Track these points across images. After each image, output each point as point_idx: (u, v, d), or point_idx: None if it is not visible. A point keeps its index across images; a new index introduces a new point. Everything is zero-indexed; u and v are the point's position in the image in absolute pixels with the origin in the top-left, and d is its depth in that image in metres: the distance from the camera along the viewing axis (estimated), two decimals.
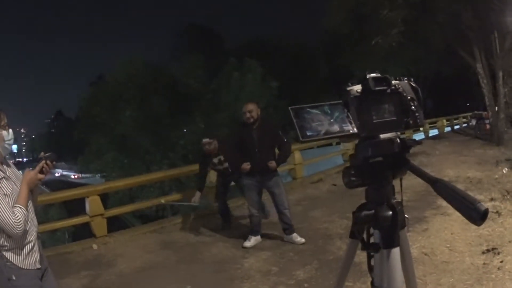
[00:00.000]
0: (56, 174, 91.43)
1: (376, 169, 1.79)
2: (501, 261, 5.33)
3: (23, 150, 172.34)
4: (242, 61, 31.82)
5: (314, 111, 1.67)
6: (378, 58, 23.87)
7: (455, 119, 30.62)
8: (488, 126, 20.24)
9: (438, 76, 32.00)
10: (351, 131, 1.68)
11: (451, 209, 7.04)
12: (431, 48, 23.51)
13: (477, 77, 18.69)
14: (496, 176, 9.86)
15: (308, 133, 1.62)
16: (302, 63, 39.72)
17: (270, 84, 31.30)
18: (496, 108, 18.53)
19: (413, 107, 1.78)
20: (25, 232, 3.07)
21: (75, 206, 11.91)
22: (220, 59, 35.22)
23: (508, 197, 8.04)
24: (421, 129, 25.15)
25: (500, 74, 18.13)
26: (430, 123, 26.25)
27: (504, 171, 10.26)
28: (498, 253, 5.58)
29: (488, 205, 6.81)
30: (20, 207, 2.99)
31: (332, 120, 1.67)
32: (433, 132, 26.37)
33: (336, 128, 1.66)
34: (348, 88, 1.73)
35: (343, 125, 1.68)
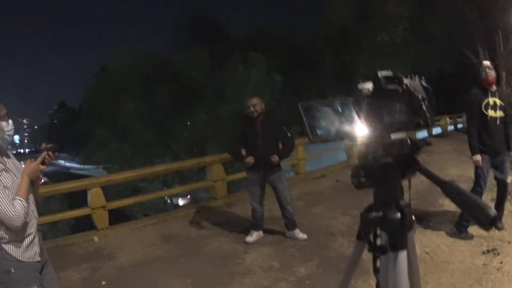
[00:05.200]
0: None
1: (386, 170, 1.76)
2: (501, 262, 5.35)
3: (25, 141, 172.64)
4: (246, 54, 31.69)
5: (325, 108, 1.63)
6: (383, 54, 23.82)
7: (458, 117, 30.50)
8: None
9: (442, 74, 31.87)
10: (362, 131, 1.64)
11: (452, 208, 7.01)
12: (435, 45, 23.47)
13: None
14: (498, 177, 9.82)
15: (319, 133, 1.58)
16: (307, 57, 39.62)
17: (274, 78, 31.19)
18: None
19: (424, 107, 1.75)
20: (25, 225, 3.06)
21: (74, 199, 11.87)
22: (224, 51, 35.09)
23: (509, 197, 7.99)
24: None
25: (504, 74, 18.11)
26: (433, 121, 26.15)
27: None
28: (498, 254, 5.60)
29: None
30: (20, 199, 2.98)
31: (343, 119, 1.63)
32: (437, 130, 26.27)
33: (347, 128, 1.63)
34: (360, 87, 1.69)
35: (354, 124, 1.64)
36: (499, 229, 6.33)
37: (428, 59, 28.31)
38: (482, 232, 6.34)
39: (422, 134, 23.60)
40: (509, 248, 5.74)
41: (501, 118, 6.19)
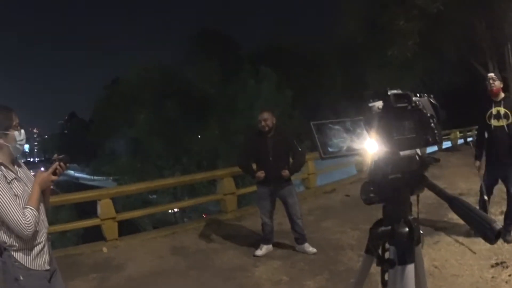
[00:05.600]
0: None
1: (395, 186, 1.78)
2: (509, 275, 5.32)
3: (35, 150, 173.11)
4: (257, 68, 31.71)
5: (336, 127, 1.66)
6: (393, 69, 23.79)
7: (468, 131, 30.29)
8: None
9: (452, 87, 31.78)
10: (371, 148, 1.67)
11: (461, 222, 7.08)
12: (445, 59, 23.42)
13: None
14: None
15: (330, 150, 1.61)
16: (317, 72, 39.67)
17: (285, 92, 31.18)
18: None
19: (432, 124, 1.77)
20: (35, 233, 3.08)
21: (85, 207, 11.92)
22: (235, 65, 35.08)
23: None
24: None
25: None
26: (443, 135, 26.02)
27: None
28: (507, 267, 5.56)
29: (498, 218, 6.77)
30: (31, 209, 3.01)
31: (353, 137, 1.66)
32: (446, 144, 26.12)
33: (357, 145, 1.66)
34: (370, 105, 1.72)
35: (364, 141, 1.67)
36: (508, 242, 6.33)
37: (438, 73, 28.26)
38: (491, 246, 6.33)
39: (432, 148, 23.51)
40: None
41: (508, 126, 6.26)
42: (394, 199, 1.82)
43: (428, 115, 1.78)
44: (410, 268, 1.85)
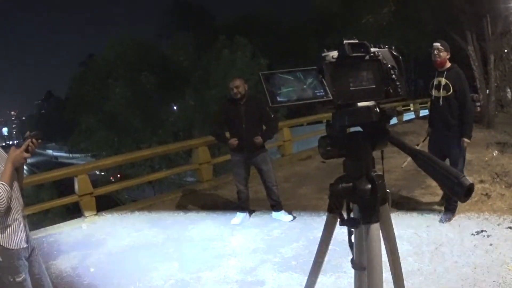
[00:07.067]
0: None
1: (354, 139, 1.74)
2: (490, 244, 5.31)
3: (14, 133, 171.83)
4: (232, 38, 31.61)
5: (286, 76, 1.60)
6: (368, 38, 23.78)
7: None
8: (478, 109, 20.12)
9: (429, 57, 31.86)
10: (325, 98, 1.60)
11: (440, 189, 7.05)
12: (422, 29, 23.40)
13: (468, 59, 18.51)
14: (486, 158, 9.82)
15: (279, 99, 1.55)
16: (292, 42, 39.61)
17: (260, 61, 31.06)
18: (487, 91, 18.50)
19: (393, 75, 1.71)
20: (10, 211, 3.05)
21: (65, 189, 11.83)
22: (210, 36, 34.89)
23: (498, 179, 8.02)
24: (412, 108, 25.07)
25: (492, 57, 18.07)
26: (420, 103, 26.16)
27: (494, 154, 10.23)
28: (488, 236, 5.56)
29: (478, 187, 6.79)
30: (3, 184, 2.96)
31: (305, 87, 1.59)
32: (424, 112, 26.26)
33: (309, 94, 1.58)
34: (324, 54, 1.65)
35: (316, 91, 1.60)
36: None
37: (415, 42, 28.28)
38: (470, 214, 6.37)
39: (409, 116, 23.65)
40: (498, 231, 5.70)
41: (444, 97, 6.27)
42: (354, 154, 1.77)
43: (389, 66, 1.72)
44: (375, 227, 1.78)
